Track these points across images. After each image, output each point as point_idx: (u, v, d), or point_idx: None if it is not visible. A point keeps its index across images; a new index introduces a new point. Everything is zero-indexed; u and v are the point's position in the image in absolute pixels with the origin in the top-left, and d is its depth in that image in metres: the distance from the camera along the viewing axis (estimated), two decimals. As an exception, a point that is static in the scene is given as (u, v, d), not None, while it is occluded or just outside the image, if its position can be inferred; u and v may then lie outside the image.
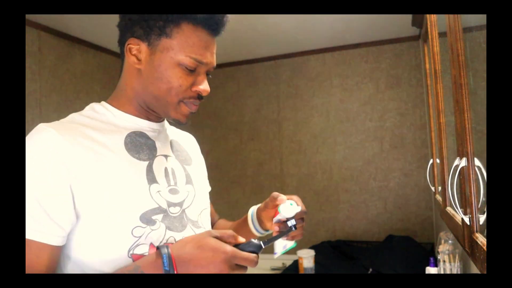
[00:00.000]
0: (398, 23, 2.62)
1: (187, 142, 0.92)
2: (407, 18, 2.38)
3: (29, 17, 2.21)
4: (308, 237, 3.17)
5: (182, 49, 0.71)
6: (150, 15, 0.71)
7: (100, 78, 2.79)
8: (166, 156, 0.78)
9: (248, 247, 0.67)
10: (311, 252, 2.44)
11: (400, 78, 3.00)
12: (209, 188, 0.95)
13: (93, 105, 0.78)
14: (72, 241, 0.67)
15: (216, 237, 0.65)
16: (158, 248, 0.65)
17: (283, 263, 3.03)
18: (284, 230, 0.78)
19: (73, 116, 0.74)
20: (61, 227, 0.64)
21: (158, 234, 0.70)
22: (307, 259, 2.38)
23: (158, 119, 0.80)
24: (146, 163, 0.74)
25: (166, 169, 0.77)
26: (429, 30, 1.45)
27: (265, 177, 3.33)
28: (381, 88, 3.05)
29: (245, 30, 2.59)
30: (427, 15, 1.48)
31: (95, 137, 0.70)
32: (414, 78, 2.96)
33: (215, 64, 0.77)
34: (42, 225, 0.62)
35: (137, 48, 0.73)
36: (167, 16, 0.70)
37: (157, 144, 0.78)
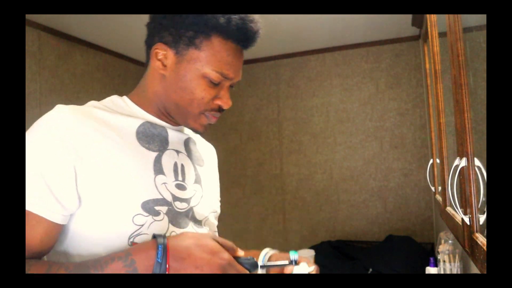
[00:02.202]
0: (398, 23, 2.62)
1: (206, 150, 0.91)
2: (407, 18, 2.38)
3: (29, 17, 2.21)
4: (308, 237, 3.17)
5: (209, 63, 0.71)
6: (181, 23, 0.71)
7: (100, 78, 2.79)
8: (177, 152, 0.78)
9: (246, 262, 0.67)
10: (311, 252, 2.44)
11: (400, 78, 3.00)
12: (219, 205, 0.91)
13: (114, 97, 0.78)
14: (74, 225, 0.67)
15: (217, 242, 0.65)
16: (155, 236, 0.64)
17: (283, 263, 3.03)
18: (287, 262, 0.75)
19: (92, 102, 0.75)
20: (62, 205, 0.64)
21: (161, 226, 0.70)
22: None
23: (175, 123, 0.81)
24: (155, 154, 0.74)
25: (175, 164, 0.77)
26: (429, 30, 1.45)
27: (265, 177, 3.33)
28: (381, 88, 3.05)
29: (245, 30, 2.58)
30: (427, 15, 1.48)
31: (107, 122, 0.70)
32: (414, 78, 2.96)
33: (240, 78, 0.77)
34: (42, 199, 0.63)
35: (163, 53, 0.73)
36: (198, 26, 0.70)
37: (170, 139, 0.78)
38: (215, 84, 0.73)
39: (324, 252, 2.65)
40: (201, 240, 0.64)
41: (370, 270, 2.27)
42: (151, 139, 0.74)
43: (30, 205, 0.62)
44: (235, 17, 0.70)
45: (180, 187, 0.76)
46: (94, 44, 2.72)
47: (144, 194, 0.69)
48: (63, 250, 0.69)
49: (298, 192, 3.24)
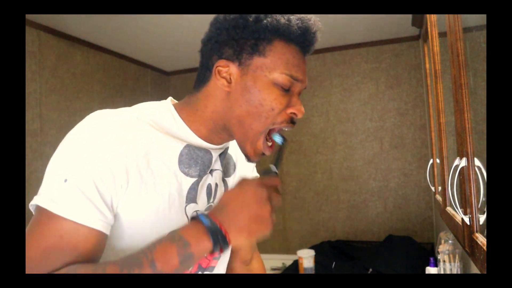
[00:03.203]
0: (398, 23, 2.62)
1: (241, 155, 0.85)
2: (407, 18, 2.38)
3: (29, 17, 2.21)
4: (308, 237, 3.17)
5: (276, 67, 0.66)
6: (240, 33, 0.67)
7: (100, 78, 2.79)
8: (212, 171, 0.75)
9: (264, 173, 0.69)
10: (311, 252, 2.44)
11: (400, 78, 3.00)
12: None
13: (163, 110, 0.71)
14: None
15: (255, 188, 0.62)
16: (194, 217, 0.60)
17: (283, 263, 3.03)
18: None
19: (138, 114, 0.68)
20: (111, 213, 0.62)
21: None
22: (307, 259, 2.38)
23: (223, 141, 0.75)
24: (194, 180, 0.71)
25: (209, 186, 0.74)
26: (429, 30, 1.45)
27: (265, 177, 3.33)
28: (381, 88, 3.05)
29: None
30: (427, 15, 1.48)
31: (153, 143, 0.66)
32: (414, 78, 2.96)
33: (307, 84, 0.72)
34: (94, 209, 0.59)
35: (226, 70, 0.68)
36: (258, 34, 0.66)
37: (213, 160, 0.74)
38: (285, 91, 0.68)
39: (324, 252, 2.65)
40: (243, 199, 0.60)
41: (370, 270, 2.27)
42: (194, 162, 0.70)
43: (82, 216, 0.59)
44: (294, 17, 0.68)
45: (209, 209, 0.73)
46: (94, 44, 2.72)
47: (174, 225, 0.66)
48: None
49: (298, 192, 3.24)
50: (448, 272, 1.46)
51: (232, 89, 0.68)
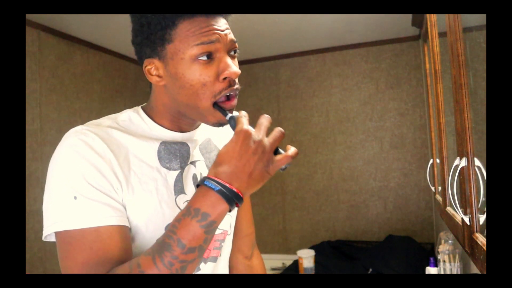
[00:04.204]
0: (398, 23, 2.62)
1: (225, 136, 0.87)
2: (407, 18, 2.38)
3: (29, 17, 2.21)
4: (308, 237, 3.17)
5: (186, 44, 0.67)
6: (147, 30, 0.69)
7: (100, 78, 2.79)
8: (195, 162, 0.78)
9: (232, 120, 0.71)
10: (311, 252, 2.44)
11: (400, 78, 3.00)
12: None
13: (130, 114, 0.76)
14: None
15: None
16: (198, 185, 0.62)
17: (283, 263, 3.03)
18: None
19: (109, 123, 0.73)
20: (122, 205, 0.66)
21: None
22: (307, 259, 2.38)
23: (191, 126, 0.79)
24: (177, 172, 0.74)
25: (194, 176, 0.77)
26: (429, 30, 1.45)
27: (265, 177, 3.33)
28: (381, 88, 3.05)
29: (245, 30, 2.59)
30: (427, 15, 1.48)
31: (130, 146, 0.70)
32: (414, 78, 2.96)
33: (232, 37, 0.71)
34: (105, 208, 0.63)
35: (153, 67, 0.72)
36: (160, 24, 0.68)
37: (191, 150, 0.78)
38: (208, 61, 0.68)
39: (324, 252, 2.65)
40: (239, 153, 0.62)
41: (370, 270, 2.28)
42: (173, 155, 0.74)
43: (97, 219, 0.62)
44: None
45: None
46: (94, 44, 2.72)
47: (168, 218, 0.69)
48: None
49: (298, 192, 3.24)
50: (448, 272, 1.46)
51: (166, 81, 0.72)
